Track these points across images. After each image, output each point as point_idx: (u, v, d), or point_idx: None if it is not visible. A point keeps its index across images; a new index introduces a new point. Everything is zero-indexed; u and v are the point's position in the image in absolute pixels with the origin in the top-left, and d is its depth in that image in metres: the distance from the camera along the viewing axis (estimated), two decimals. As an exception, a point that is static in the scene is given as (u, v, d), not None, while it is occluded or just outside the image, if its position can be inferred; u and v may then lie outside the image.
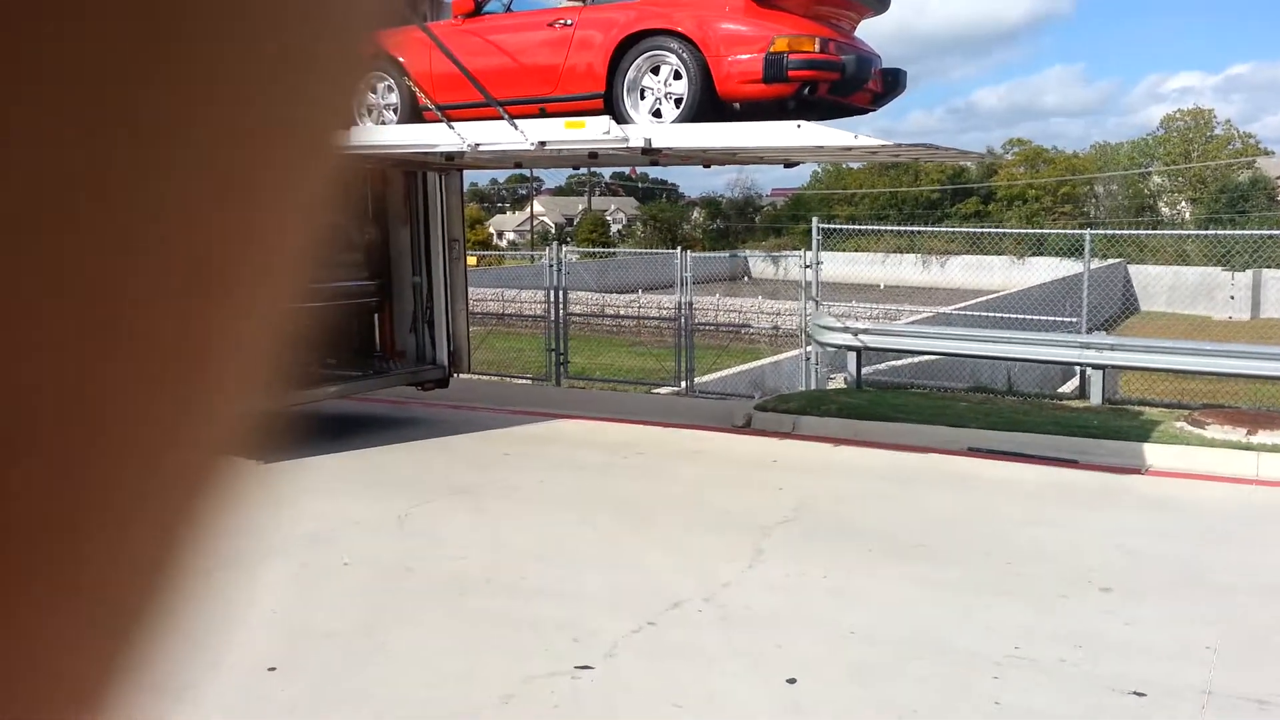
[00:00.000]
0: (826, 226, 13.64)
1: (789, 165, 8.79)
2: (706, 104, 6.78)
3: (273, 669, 4.17)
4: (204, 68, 0.22)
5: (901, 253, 40.99)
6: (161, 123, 0.21)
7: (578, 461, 8.01)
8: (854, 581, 5.37)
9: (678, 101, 6.87)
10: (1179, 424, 8.75)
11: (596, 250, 38.40)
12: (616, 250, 42.11)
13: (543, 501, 6.88)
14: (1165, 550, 5.91)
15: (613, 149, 7.20)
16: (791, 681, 4.18)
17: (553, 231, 58.24)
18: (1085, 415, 9.36)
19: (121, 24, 0.20)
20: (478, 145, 7.54)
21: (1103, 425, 8.72)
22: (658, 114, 6.97)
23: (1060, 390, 13.14)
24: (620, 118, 7.00)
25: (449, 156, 8.01)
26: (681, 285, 13.68)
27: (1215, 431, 8.35)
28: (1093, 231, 13.02)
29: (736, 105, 6.83)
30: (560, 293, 13.64)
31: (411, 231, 9.76)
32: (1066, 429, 8.55)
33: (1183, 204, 51.54)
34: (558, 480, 7.45)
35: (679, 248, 14.98)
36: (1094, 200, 53.48)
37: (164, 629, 0.26)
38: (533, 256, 24.60)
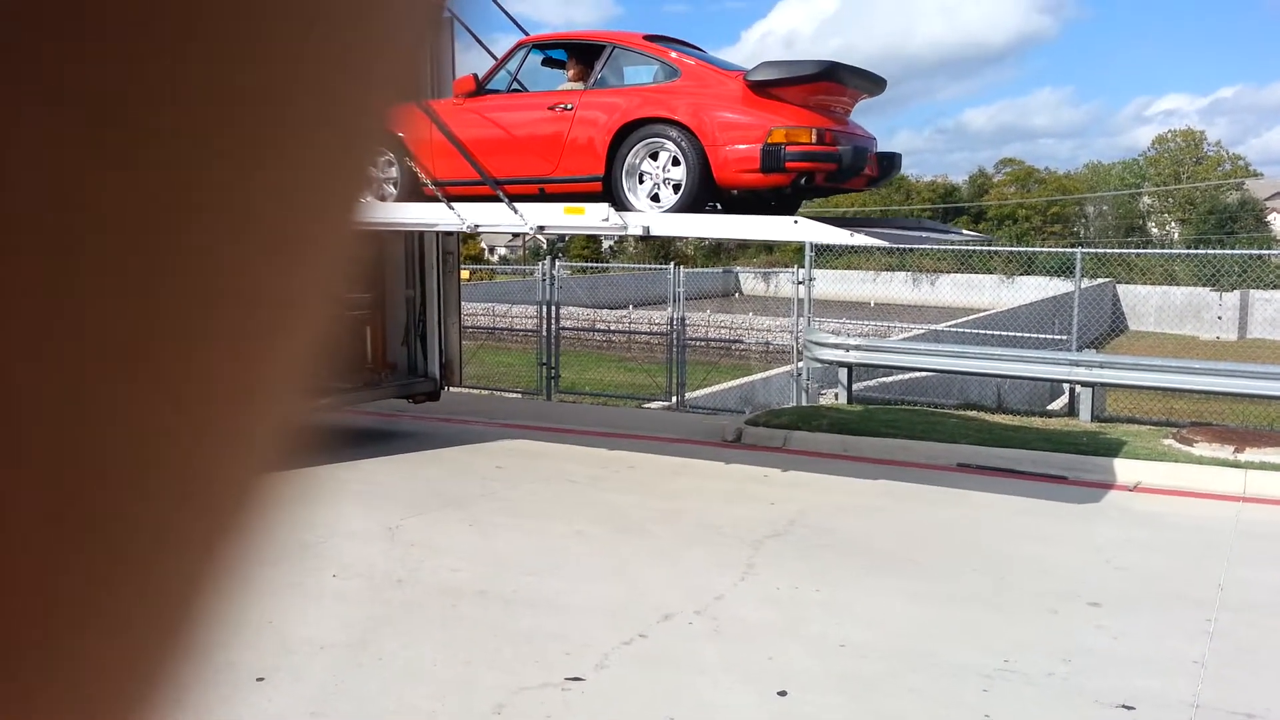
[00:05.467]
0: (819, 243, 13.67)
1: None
2: (704, 190, 6.82)
3: (261, 679, 4.16)
4: (222, 94, 0.21)
5: (892, 270, 41.22)
6: (177, 150, 0.21)
7: (569, 475, 8.02)
8: (845, 595, 5.38)
9: (676, 187, 6.89)
10: (1167, 441, 8.80)
11: (589, 265, 38.41)
12: (609, 266, 42.13)
13: (534, 514, 6.88)
14: (1154, 566, 5.94)
15: (611, 234, 7.28)
16: (782, 694, 4.19)
17: (544, 247, 58.28)
18: (1074, 432, 9.40)
19: (135, 45, 0.20)
20: (477, 227, 7.66)
21: (1092, 442, 8.77)
22: (656, 198, 7.00)
23: (1049, 408, 13.19)
24: (618, 200, 7.03)
25: (448, 233, 8.07)
26: (674, 300, 13.74)
27: (1203, 449, 8.40)
28: (1084, 250, 13.10)
29: (734, 192, 6.89)
30: (552, 307, 13.68)
31: (405, 244, 9.78)
32: (1056, 445, 8.59)
33: (1172, 225, 51.93)
34: (549, 493, 7.45)
35: (672, 263, 15.02)
36: (1084, 220, 53.82)
37: (200, 648, 0.26)
38: (525, 272, 24.62)
